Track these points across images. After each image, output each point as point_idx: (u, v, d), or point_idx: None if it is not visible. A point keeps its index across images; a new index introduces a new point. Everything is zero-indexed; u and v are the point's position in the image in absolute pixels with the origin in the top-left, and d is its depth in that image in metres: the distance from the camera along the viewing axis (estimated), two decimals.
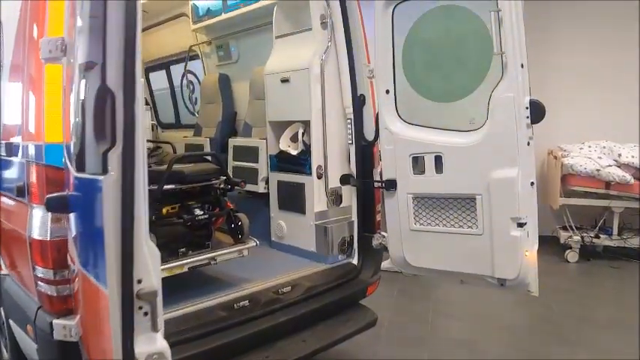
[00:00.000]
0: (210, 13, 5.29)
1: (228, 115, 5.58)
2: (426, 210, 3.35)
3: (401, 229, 3.47)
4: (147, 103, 8.00)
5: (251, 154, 4.67)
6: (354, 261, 3.95)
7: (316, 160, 3.94)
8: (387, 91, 3.50)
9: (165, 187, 3.01)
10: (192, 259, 3.04)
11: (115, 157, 1.39)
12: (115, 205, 1.36)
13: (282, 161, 4.29)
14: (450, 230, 3.30)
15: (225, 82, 5.66)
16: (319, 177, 3.95)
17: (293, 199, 4.17)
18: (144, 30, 5.94)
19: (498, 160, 2.95)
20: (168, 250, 3.03)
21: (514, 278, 2.96)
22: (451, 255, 3.34)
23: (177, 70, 7.14)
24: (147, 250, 1.42)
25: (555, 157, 6.94)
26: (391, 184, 3.47)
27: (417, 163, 3.32)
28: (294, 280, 3.48)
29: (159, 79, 7.89)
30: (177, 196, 3.14)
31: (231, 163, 4.99)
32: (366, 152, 3.87)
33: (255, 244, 3.35)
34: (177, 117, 7.76)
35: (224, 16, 5.03)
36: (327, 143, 3.93)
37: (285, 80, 4.07)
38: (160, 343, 1.45)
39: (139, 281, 1.40)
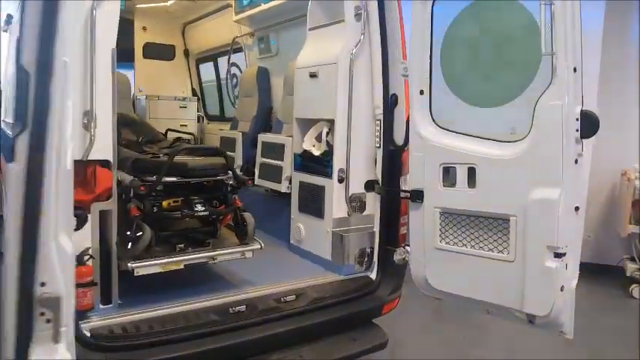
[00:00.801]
0: (252, 3, 5.18)
1: (263, 109, 5.44)
2: (453, 227, 3.00)
3: (425, 246, 3.13)
4: (195, 94, 8.10)
5: (277, 151, 4.49)
6: (373, 275, 3.64)
7: (338, 162, 3.67)
8: (422, 92, 3.17)
9: (167, 179, 2.88)
10: (189, 257, 2.90)
11: (21, 143, 1.23)
12: (18, 197, 1.19)
13: (305, 161, 4.07)
14: (479, 253, 2.92)
15: (263, 75, 5.53)
16: (340, 181, 3.68)
17: (312, 202, 3.94)
18: (193, 21, 5.99)
19: (539, 177, 2.55)
20: (166, 245, 2.91)
21: (545, 315, 2.55)
22: (477, 281, 2.97)
23: (224, 62, 7.14)
24: (55, 249, 1.25)
25: (628, 179, 6.17)
26: (418, 195, 3.14)
27: (448, 175, 2.97)
28: (301, 289, 3.25)
29: (209, 71, 7.98)
30: (182, 188, 3.01)
31: (259, 159, 4.84)
32: (394, 158, 3.55)
33: (259, 246, 3.15)
34: (221, 109, 7.79)
35: (264, 6, 4.88)
36: (352, 145, 3.66)
37: (313, 75, 3.84)
38: (63, 356, 1.27)
39: (43, 284, 1.23)
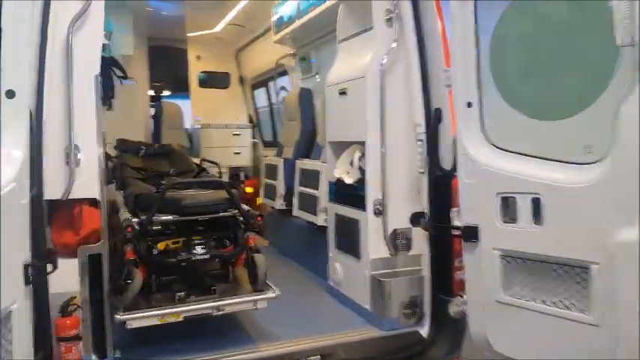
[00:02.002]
0: (288, 20, 4.92)
1: (306, 133, 5.11)
2: (518, 276, 2.40)
3: (484, 298, 2.55)
4: (251, 121, 8.06)
5: (313, 179, 4.11)
6: (423, 331, 3.05)
7: (373, 192, 3.18)
8: (469, 104, 2.65)
9: (163, 217, 2.60)
10: (190, 307, 2.56)
11: None
12: None
13: (340, 190, 3.62)
14: (552, 311, 2.31)
15: (305, 97, 5.22)
16: (377, 214, 3.17)
17: (348, 239, 3.47)
18: (245, 46, 5.86)
19: (627, 212, 1.89)
20: (163, 293, 2.61)
21: None
22: (550, 348, 2.32)
23: (275, 86, 7.02)
24: None
25: None
26: (472, 233, 2.58)
27: (508, 207, 2.40)
28: (329, 347, 2.77)
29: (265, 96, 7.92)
30: (183, 228, 2.72)
31: (297, 188, 4.48)
32: (441, 185, 2.99)
33: (273, 294, 2.72)
34: (274, 135, 7.64)
35: (298, 22, 4.59)
36: (390, 171, 3.15)
37: (342, 92, 3.43)
38: None
39: None
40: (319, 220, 3.99)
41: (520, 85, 2.44)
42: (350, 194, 3.47)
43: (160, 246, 2.61)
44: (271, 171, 5.44)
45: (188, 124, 8.11)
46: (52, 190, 2.28)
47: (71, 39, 2.26)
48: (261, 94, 8.04)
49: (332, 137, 3.70)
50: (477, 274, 2.51)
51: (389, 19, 3.07)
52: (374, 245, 3.18)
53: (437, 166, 3.01)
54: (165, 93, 8.81)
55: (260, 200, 5.90)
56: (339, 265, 3.60)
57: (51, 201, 2.35)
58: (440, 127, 3.01)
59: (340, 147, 3.65)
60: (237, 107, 8.02)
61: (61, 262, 2.40)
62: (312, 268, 3.92)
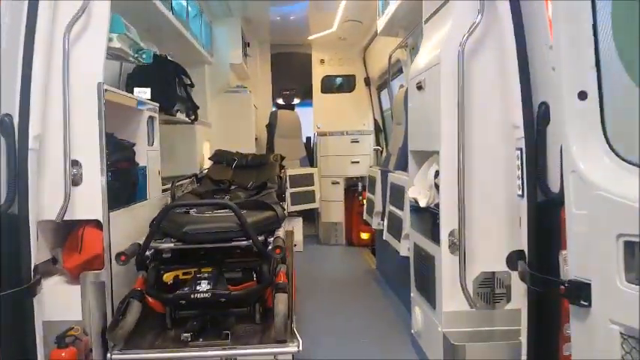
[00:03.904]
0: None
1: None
2: None
3: None
4: (377, 126, 7.62)
5: (399, 197, 3.47)
6: None
7: (448, 219, 2.44)
8: (582, 95, 1.86)
9: (163, 245, 2.33)
10: (194, 354, 2.23)
11: None
12: None
13: (417, 214, 2.94)
14: None
15: None
16: (452, 250, 2.42)
17: (425, 280, 2.77)
18: (369, 44, 5.44)
19: None
20: (177, 330, 2.33)
21: None
22: None
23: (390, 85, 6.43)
24: None
25: None
26: (581, 293, 1.80)
27: (634, 256, 1.60)
28: None
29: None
30: (197, 256, 2.42)
31: (387, 206, 3.88)
32: (547, 215, 2.12)
33: (296, 348, 2.22)
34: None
35: (401, 2, 3.86)
36: (473, 191, 2.39)
37: (419, 87, 2.75)
38: None
39: None
40: (402, 248, 3.34)
41: None
42: (426, 220, 2.77)
43: (167, 277, 2.35)
44: (371, 184, 4.91)
45: (311, 132, 8.04)
46: (52, 210, 2.19)
47: (67, 44, 2.14)
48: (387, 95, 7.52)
49: (413, 145, 3.03)
50: (588, 353, 1.75)
51: None
52: (448, 292, 2.44)
53: (542, 186, 2.14)
54: (296, 101, 8.95)
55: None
56: (419, 311, 2.91)
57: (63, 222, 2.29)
58: (547, 131, 2.14)
59: (422, 158, 2.96)
60: (363, 112, 7.63)
61: (64, 288, 2.32)
62: (409, 307, 3.29)
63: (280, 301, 2.26)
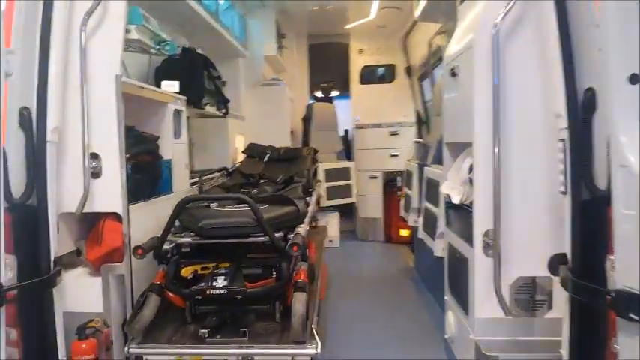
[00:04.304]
0: None
1: None
2: None
3: None
4: (419, 118, 7.40)
5: (434, 192, 3.31)
6: None
7: (482, 218, 2.28)
8: (634, 79, 1.70)
9: (180, 239, 2.31)
10: (211, 350, 2.20)
11: None
12: None
13: (451, 211, 2.78)
14: None
15: None
16: (487, 252, 2.26)
17: (458, 283, 2.62)
18: (410, 31, 5.27)
19: None
20: (198, 324, 2.32)
21: None
22: None
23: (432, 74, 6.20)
24: None
25: None
26: (629, 305, 1.65)
27: None
28: None
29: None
30: (216, 251, 2.39)
31: (423, 202, 3.72)
32: (592, 216, 1.93)
33: (314, 350, 2.14)
34: None
35: None
36: (510, 187, 2.22)
37: (453, 73, 2.59)
38: None
39: None
40: (437, 248, 3.19)
41: None
42: (460, 218, 2.61)
43: (185, 272, 2.32)
44: (408, 178, 4.75)
45: (349, 125, 7.91)
46: (74, 203, 2.21)
47: (84, 36, 2.14)
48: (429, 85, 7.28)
49: (447, 136, 2.87)
50: None
51: None
52: (482, 297, 2.28)
53: (586, 183, 1.95)
54: (335, 93, 8.83)
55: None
56: (452, 315, 2.76)
57: (85, 214, 2.32)
58: (593, 120, 1.94)
59: (456, 151, 2.80)
60: (404, 103, 7.41)
61: (86, 280, 2.35)
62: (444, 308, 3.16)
63: (298, 300, 2.19)
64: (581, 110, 1.95)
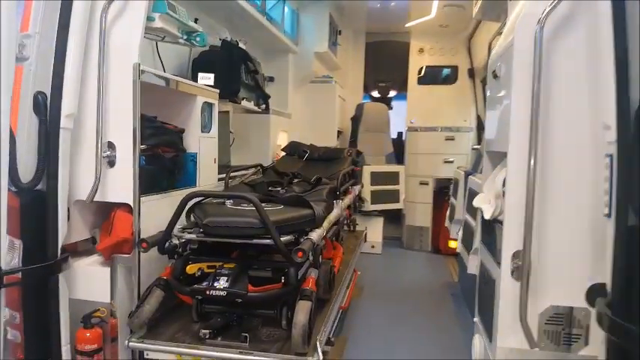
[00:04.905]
0: None
1: None
2: None
3: None
4: (480, 123, 7.05)
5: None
6: None
7: (511, 237, 2.06)
8: None
9: (187, 235, 2.27)
10: (210, 352, 2.15)
11: None
12: None
13: (485, 227, 2.56)
14: None
15: None
16: (516, 275, 2.05)
17: (485, 305, 2.41)
18: (475, 31, 5.04)
19: None
20: (190, 327, 2.29)
21: None
22: None
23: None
24: None
25: None
26: None
27: None
28: None
29: None
30: (224, 249, 2.34)
31: (464, 214, 3.49)
32: (638, 244, 1.69)
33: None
34: None
35: None
36: (547, 205, 1.99)
37: (495, 75, 2.37)
38: None
39: None
40: (470, 264, 2.97)
41: None
42: (492, 235, 2.39)
43: (190, 269, 2.28)
44: (455, 187, 4.50)
45: (402, 127, 7.69)
46: (88, 191, 2.25)
47: (105, 23, 2.16)
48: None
49: (488, 144, 2.66)
50: None
51: None
52: (507, 324, 2.06)
53: (634, 206, 1.70)
54: (392, 94, 8.63)
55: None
56: (478, 339, 2.54)
57: (101, 203, 2.36)
58: None
59: (496, 160, 2.57)
60: (464, 106, 7.09)
61: (97, 269, 2.38)
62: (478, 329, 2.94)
63: (301, 310, 2.08)
64: (635, 123, 1.70)
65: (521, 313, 1.97)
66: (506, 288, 2.08)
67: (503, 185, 2.21)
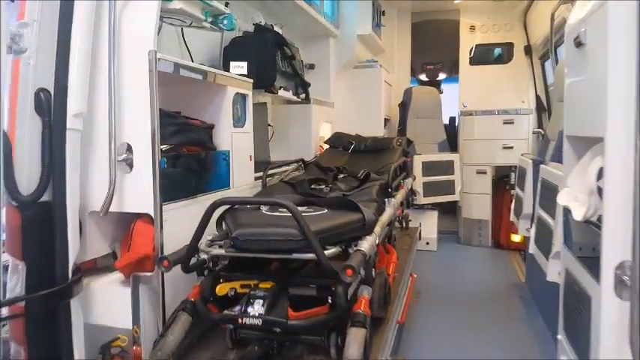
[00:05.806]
0: None
1: None
2: None
3: None
4: (539, 104, 6.46)
5: (551, 198, 2.65)
6: None
7: (615, 245, 1.62)
8: None
9: (215, 251, 1.96)
10: None
11: None
12: None
13: (572, 228, 2.12)
14: None
15: None
16: (620, 292, 1.62)
17: (575, 323, 1.98)
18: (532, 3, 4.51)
19: None
20: (225, 355, 2.00)
21: None
22: None
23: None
24: None
25: None
26: None
27: None
28: None
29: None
30: (260, 265, 2.02)
31: (537, 210, 3.05)
32: None
33: None
34: None
35: None
36: None
37: (579, 43, 1.92)
38: None
39: None
40: (550, 271, 2.53)
41: None
42: (585, 239, 1.95)
43: (220, 289, 1.97)
44: (521, 176, 4.02)
45: (455, 112, 7.17)
46: (101, 201, 2.00)
47: (114, 6, 1.89)
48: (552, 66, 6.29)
49: (570, 127, 2.21)
50: None
51: None
52: (608, 350, 1.64)
53: None
54: (442, 76, 8.12)
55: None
56: None
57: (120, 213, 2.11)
58: None
59: (582, 147, 2.12)
60: (522, 87, 6.51)
61: (117, 290, 2.13)
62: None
63: (353, 340, 1.73)
64: None
65: (632, 338, 1.55)
66: (609, 307, 1.66)
67: (598, 178, 1.78)
